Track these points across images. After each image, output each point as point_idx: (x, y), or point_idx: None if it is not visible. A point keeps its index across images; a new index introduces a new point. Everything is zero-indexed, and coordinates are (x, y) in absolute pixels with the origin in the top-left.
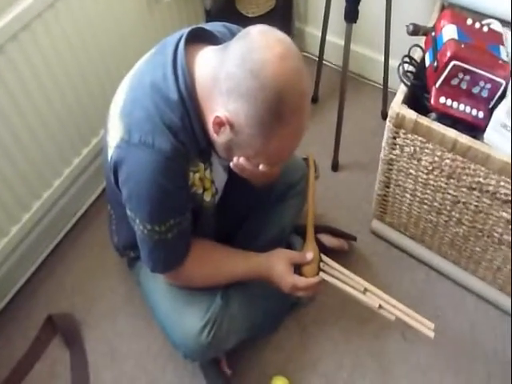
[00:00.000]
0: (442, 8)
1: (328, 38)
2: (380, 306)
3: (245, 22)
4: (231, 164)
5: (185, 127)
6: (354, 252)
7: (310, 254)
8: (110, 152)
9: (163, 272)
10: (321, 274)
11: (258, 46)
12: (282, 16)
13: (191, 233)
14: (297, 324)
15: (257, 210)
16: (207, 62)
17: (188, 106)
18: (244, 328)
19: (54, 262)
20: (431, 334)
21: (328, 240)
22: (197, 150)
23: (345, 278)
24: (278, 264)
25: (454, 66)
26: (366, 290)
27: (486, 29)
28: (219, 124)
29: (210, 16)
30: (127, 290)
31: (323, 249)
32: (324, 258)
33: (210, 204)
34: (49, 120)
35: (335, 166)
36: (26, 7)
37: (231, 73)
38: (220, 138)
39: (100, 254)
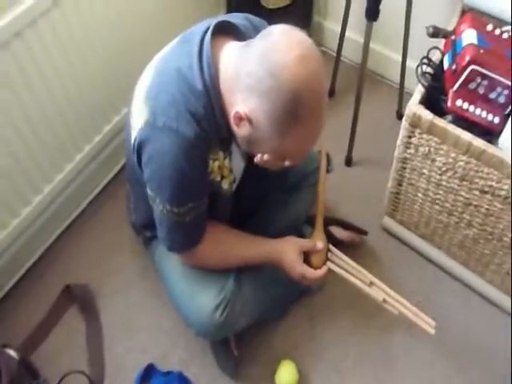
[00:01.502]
0: (463, 12)
1: (347, 34)
2: (384, 300)
3: (265, 13)
4: (255, 159)
5: (208, 116)
6: (363, 246)
7: (320, 244)
8: (134, 133)
9: (179, 252)
10: (328, 263)
11: (278, 46)
12: (303, 9)
13: (207, 217)
14: (306, 312)
15: (271, 198)
16: (231, 58)
17: (212, 96)
18: (255, 311)
19: (73, 234)
20: (432, 331)
21: (339, 232)
22: (218, 138)
23: (352, 269)
24: (288, 251)
25: (473, 70)
26: (371, 283)
27: (505, 35)
28: (239, 118)
29: (231, 6)
30: (142, 266)
31: (334, 241)
32: (332, 248)
33: (227, 191)
34: (63, 106)
35: (349, 161)
36: (31, 4)
37: (252, 71)
38: (240, 131)
39: (117, 229)
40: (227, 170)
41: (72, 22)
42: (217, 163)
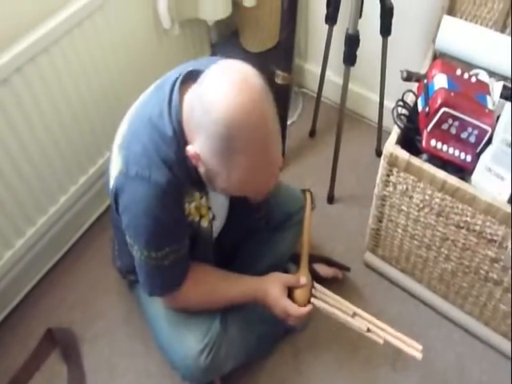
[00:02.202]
0: (434, 56)
1: (327, 75)
2: (368, 330)
3: (248, 57)
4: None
5: (179, 161)
6: (347, 282)
7: (303, 279)
8: (111, 182)
9: (160, 296)
10: (312, 299)
11: (213, 82)
12: (285, 52)
13: (189, 257)
14: (291, 348)
15: (255, 237)
16: (189, 100)
17: (180, 141)
18: (241, 352)
19: (57, 276)
20: (419, 356)
21: (323, 269)
22: (191, 181)
23: (335, 302)
24: (272, 287)
25: (444, 112)
26: (354, 314)
27: (474, 79)
28: (192, 157)
29: (215, 49)
30: (127, 309)
31: (318, 278)
32: (316, 285)
33: (207, 230)
34: (59, 138)
35: (331, 198)
36: (32, 41)
37: (195, 110)
38: (199, 169)
39: (102, 271)
40: (205, 208)
41: (59, 67)
42: (193, 204)
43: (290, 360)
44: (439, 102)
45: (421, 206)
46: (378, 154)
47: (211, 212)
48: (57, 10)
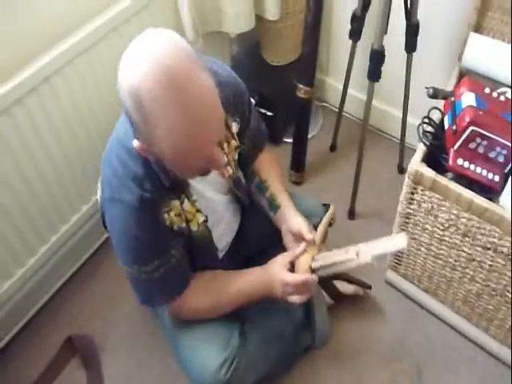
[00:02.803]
0: (460, 73)
1: (349, 91)
2: (373, 258)
3: (269, 69)
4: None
5: (148, 174)
6: (368, 300)
7: (300, 247)
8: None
9: (161, 305)
10: (312, 264)
11: (130, 51)
12: (307, 66)
13: (187, 266)
14: (310, 367)
15: (270, 254)
16: None
17: None
18: (261, 368)
19: (75, 286)
20: (404, 244)
21: (343, 287)
22: (165, 190)
23: (336, 257)
24: (273, 267)
25: (472, 131)
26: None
27: (502, 98)
28: (139, 151)
29: (236, 61)
30: (146, 319)
31: (339, 295)
32: (314, 264)
33: (201, 233)
34: (61, 166)
35: (352, 214)
36: (33, 72)
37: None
38: (152, 160)
39: (120, 281)
40: (190, 213)
41: (61, 96)
42: (173, 213)
43: (308, 379)
44: (467, 120)
45: (446, 225)
46: (400, 170)
47: (201, 215)
48: (84, 22)
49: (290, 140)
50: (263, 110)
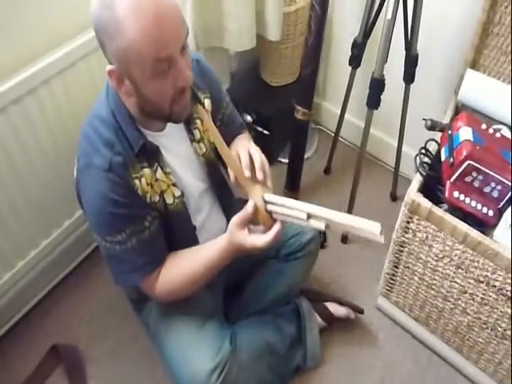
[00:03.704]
0: (456, 107)
1: (345, 116)
2: (327, 226)
3: (267, 89)
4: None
5: (119, 138)
6: (359, 324)
7: (249, 207)
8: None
9: (134, 283)
10: (274, 216)
11: None
12: (306, 89)
13: (162, 242)
14: None
15: (266, 267)
16: None
17: (118, 117)
18: (251, 382)
19: (64, 291)
20: (381, 239)
21: (335, 309)
22: (134, 155)
23: (290, 211)
24: (232, 235)
25: (469, 165)
26: (309, 215)
27: (498, 135)
28: (113, 76)
29: (234, 79)
30: (134, 329)
31: (330, 317)
32: (266, 197)
33: (176, 207)
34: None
35: (345, 238)
36: (31, 73)
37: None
38: (129, 90)
39: (110, 289)
40: (165, 183)
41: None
42: (144, 180)
43: None
44: (464, 154)
45: (440, 256)
46: (393, 198)
47: (178, 189)
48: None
49: (286, 160)
50: (260, 129)
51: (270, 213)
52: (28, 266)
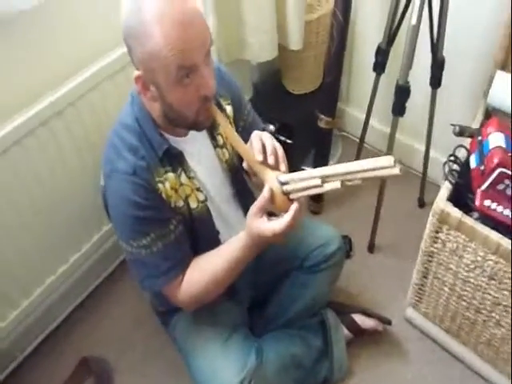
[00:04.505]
0: (487, 111)
1: (370, 122)
2: (343, 183)
3: (289, 97)
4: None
5: (143, 144)
6: (387, 336)
7: (265, 191)
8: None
9: (159, 287)
10: (291, 196)
11: None
12: (329, 97)
13: (187, 246)
14: None
15: (290, 279)
16: None
17: (142, 123)
18: None
19: (91, 306)
20: (397, 171)
21: (362, 320)
22: (158, 159)
23: (305, 182)
24: (252, 226)
25: (501, 172)
26: (324, 179)
27: None
28: (139, 82)
29: (257, 89)
30: (161, 342)
31: (358, 329)
32: (281, 177)
33: (200, 211)
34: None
35: (371, 247)
36: (32, 115)
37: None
38: (154, 96)
39: (137, 302)
40: (189, 187)
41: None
42: (168, 185)
43: None
44: (496, 161)
45: (471, 266)
46: (421, 204)
47: (202, 194)
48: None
49: (309, 168)
50: (282, 138)
51: (287, 195)
52: (57, 281)
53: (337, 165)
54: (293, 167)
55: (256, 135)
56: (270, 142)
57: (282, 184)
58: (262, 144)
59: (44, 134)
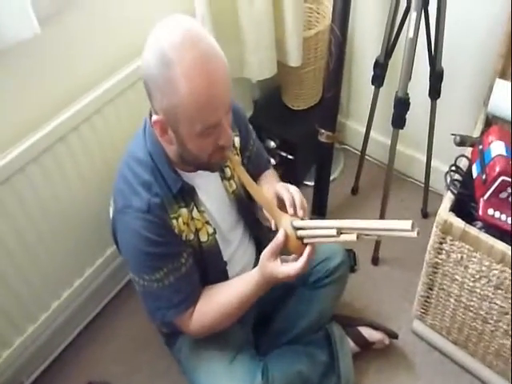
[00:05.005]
0: (487, 120)
1: (371, 134)
2: (358, 237)
3: (290, 113)
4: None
5: (157, 179)
6: (394, 350)
7: (280, 235)
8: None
9: (170, 319)
10: (304, 241)
11: (158, 27)
12: (329, 111)
13: (197, 278)
14: None
15: (295, 295)
16: None
17: (155, 158)
18: None
19: (97, 329)
20: (414, 234)
21: (369, 334)
22: (173, 196)
23: (320, 231)
24: (265, 267)
25: (503, 181)
26: (339, 231)
27: None
28: (158, 126)
29: (257, 106)
30: (166, 363)
31: (364, 342)
32: (295, 223)
33: (210, 244)
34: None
35: (375, 260)
36: (35, 141)
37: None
38: (172, 139)
39: (142, 324)
40: (200, 222)
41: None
42: (181, 220)
43: None
44: (498, 170)
45: (477, 276)
46: (424, 215)
47: (211, 227)
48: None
49: (311, 183)
50: (284, 154)
51: (300, 239)
52: (62, 306)
53: (356, 220)
54: (296, 182)
55: (282, 186)
56: (299, 197)
57: (297, 229)
58: (291, 197)
59: (47, 160)
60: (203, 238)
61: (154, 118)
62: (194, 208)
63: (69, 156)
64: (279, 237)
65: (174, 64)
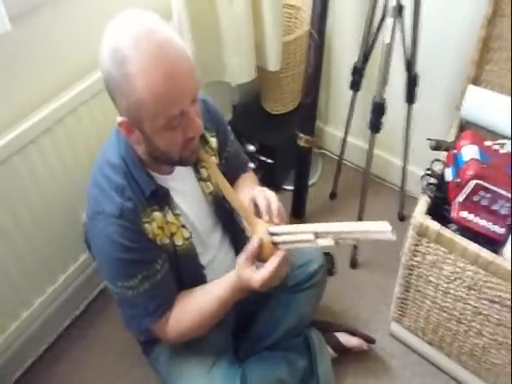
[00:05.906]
0: (461, 124)
1: (348, 139)
2: (336, 242)
3: (269, 118)
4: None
5: (130, 183)
6: (373, 353)
7: (254, 241)
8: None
9: (146, 326)
10: (279, 246)
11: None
12: (308, 116)
13: (173, 284)
14: None
15: (274, 300)
16: None
17: (128, 162)
18: None
19: (73, 337)
20: (393, 237)
21: (346, 339)
22: (145, 200)
23: (295, 237)
24: (241, 272)
25: (476, 184)
26: (316, 235)
27: (503, 150)
28: (123, 126)
29: (236, 111)
30: (144, 372)
31: (342, 348)
32: (271, 229)
33: (186, 248)
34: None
35: (354, 264)
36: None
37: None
38: (139, 139)
39: (118, 332)
40: (175, 225)
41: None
42: (155, 224)
43: None
44: (471, 173)
45: (451, 278)
46: (401, 218)
47: (187, 231)
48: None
49: (291, 187)
50: (263, 158)
51: (276, 245)
52: (34, 314)
53: (332, 223)
54: (275, 186)
55: (260, 191)
56: (275, 202)
57: (272, 235)
58: (268, 203)
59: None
60: (178, 242)
61: (119, 119)
62: (169, 211)
63: (41, 159)
64: (253, 243)
65: (127, 60)
